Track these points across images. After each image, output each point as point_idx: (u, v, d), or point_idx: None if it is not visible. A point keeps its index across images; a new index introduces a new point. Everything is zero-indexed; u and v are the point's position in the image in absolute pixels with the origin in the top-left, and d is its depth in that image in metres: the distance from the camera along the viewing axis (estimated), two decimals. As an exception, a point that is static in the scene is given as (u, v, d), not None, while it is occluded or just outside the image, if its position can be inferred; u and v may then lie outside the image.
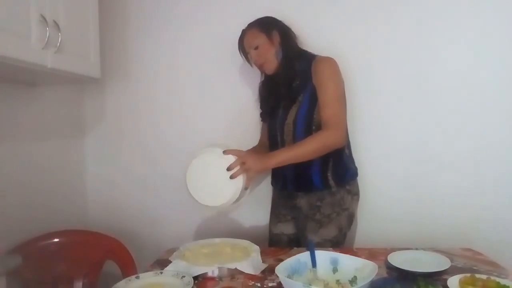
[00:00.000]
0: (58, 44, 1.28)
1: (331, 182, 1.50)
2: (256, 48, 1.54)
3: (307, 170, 1.50)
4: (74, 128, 1.94)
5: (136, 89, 1.96)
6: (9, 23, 1.11)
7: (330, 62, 1.50)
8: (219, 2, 1.87)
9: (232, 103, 1.89)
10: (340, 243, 1.52)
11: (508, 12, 1.69)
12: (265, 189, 1.83)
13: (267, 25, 1.56)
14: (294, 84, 1.53)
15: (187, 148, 1.81)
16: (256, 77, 1.83)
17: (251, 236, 1.83)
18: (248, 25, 1.59)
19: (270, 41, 1.53)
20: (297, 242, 1.61)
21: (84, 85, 1.96)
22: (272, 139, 1.62)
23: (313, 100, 1.46)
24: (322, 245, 1.44)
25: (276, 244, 1.63)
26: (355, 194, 1.58)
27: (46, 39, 1.22)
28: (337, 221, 1.51)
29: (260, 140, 1.76)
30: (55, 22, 1.28)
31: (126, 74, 1.95)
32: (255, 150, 1.65)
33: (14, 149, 1.51)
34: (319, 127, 1.44)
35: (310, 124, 1.47)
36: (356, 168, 1.62)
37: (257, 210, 1.86)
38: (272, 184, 1.72)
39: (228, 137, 1.79)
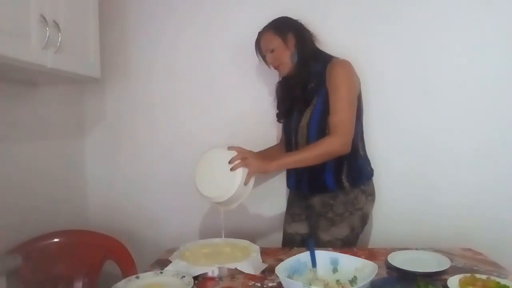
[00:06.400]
0: (58, 44, 1.28)
1: (346, 184, 1.49)
2: (272, 51, 1.54)
3: (321, 175, 1.49)
4: (74, 128, 1.94)
5: (136, 89, 1.95)
6: (9, 23, 1.11)
7: (345, 66, 1.47)
8: (219, 2, 1.87)
9: (232, 104, 1.89)
10: (352, 243, 1.50)
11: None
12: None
13: (282, 28, 1.53)
14: (309, 87, 1.52)
15: (187, 148, 1.82)
16: (257, 80, 1.84)
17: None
18: (264, 27, 1.58)
19: (285, 44, 1.51)
20: None
21: (84, 85, 1.95)
22: (288, 140, 1.62)
23: (327, 103, 1.44)
24: (333, 244, 1.43)
25: (290, 244, 1.62)
26: (370, 194, 1.56)
27: (46, 39, 1.22)
28: (349, 220, 1.49)
29: (281, 139, 1.77)
30: (55, 22, 1.28)
31: (126, 74, 1.95)
32: (268, 151, 1.66)
33: (14, 149, 1.51)
34: None
35: (323, 128, 1.45)
36: (372, 169, 1.60)
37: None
38: (287, 186, 1.72)
39: (228, 137, 1.79)
